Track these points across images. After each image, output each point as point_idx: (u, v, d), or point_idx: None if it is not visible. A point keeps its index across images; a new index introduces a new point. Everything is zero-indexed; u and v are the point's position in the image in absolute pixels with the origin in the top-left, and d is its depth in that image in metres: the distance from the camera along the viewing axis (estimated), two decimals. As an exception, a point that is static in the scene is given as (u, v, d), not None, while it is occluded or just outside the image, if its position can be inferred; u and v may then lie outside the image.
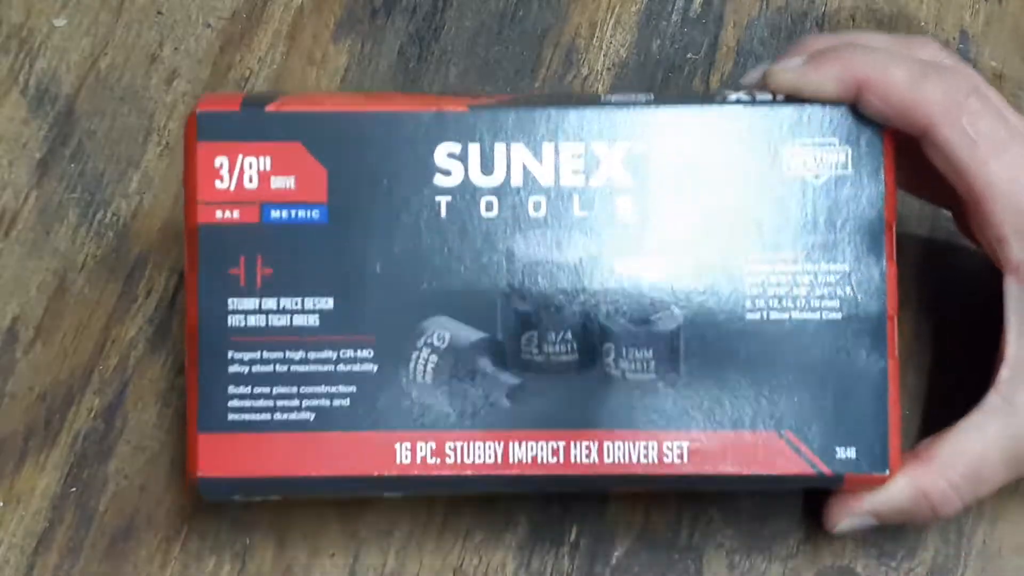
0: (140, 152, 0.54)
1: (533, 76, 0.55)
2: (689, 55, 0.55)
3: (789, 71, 0.45)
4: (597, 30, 0.56)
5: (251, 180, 0.45)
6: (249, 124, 0.45)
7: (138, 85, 0.55)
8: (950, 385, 0.52)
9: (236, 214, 0.45)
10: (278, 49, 0.55)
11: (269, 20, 0.56)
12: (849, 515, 0.47)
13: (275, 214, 0.45)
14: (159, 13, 0.56)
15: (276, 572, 0.50)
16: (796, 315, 0.45)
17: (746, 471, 0.45)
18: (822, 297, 0.45)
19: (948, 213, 0.53)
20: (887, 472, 0.45)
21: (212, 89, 0.55)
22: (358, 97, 0.47)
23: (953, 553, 0.50)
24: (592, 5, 0.56)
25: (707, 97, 0.46)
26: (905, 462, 0.46)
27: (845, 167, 0.45)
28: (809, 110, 0.45)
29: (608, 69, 0.55)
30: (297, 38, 0.56)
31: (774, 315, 0.45)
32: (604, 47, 0.55)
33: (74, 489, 0.51)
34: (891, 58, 0.44)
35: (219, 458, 0.45)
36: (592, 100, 0.46)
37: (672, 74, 0.55)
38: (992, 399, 0.45)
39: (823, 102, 0.45)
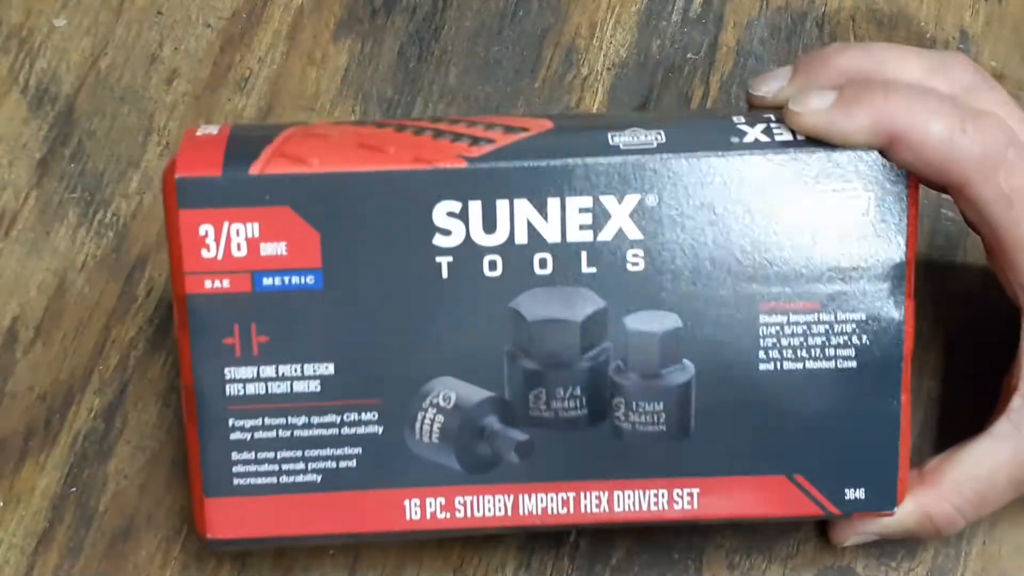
0: (140, 152, 0.54)
1: (533, 76, 0.55)
2: (689, 55, 0.55)
3: (816, 115, 0.43)
4: (597, 30, 0.56)
5: (239, 248, 0.43)
6: (233, 190, 0.42)
7: (138, 85, 0.55)
8: (954, 395, 0.52)
9: (226, 283, 0.43)
10: (278, 49, 0.55)
11: (269, 20, 0.56)
12: (853, 534, 0.47)
13: (267, 281, 0.43)
14: (159, 13, 0.56)
15: (276, 572, 0.50)
16: (810, 364, 0.44)
17: (754, 513, 0.45)
18: (837, 346, 0.44)
19: (950, 213, 0.53)
20: (895, 510, 0.45)
21: (212, 89, 0.55)
22: (349, 144, 0.44)
23: (953, 553, 0.50)
24: (592, 5, 0.56)
25: (721, 133, 0.43)
26: (911, 484, 0.46)
27: (866, 213, 0.43)
28: (832, 156, 0.43)
29: (608, 69, 0.55)
30: (297, 38, 0.55)
31: (788, 365, 0.44)
32: (604, 47, 0.55)
33: (74, 489, 0.51)
34: (928, 108, 0.42)
35: (228, 520, 0.44)
36: (599, 142, 0.43)
37: (672, 74, 0.55)
38: (1003, 426, 0.45)
39: (850, 148, 0.43)
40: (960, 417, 0.50)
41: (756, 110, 0.45)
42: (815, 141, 0.43)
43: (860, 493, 0.44)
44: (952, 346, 0.52)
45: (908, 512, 0.46)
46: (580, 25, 0.56)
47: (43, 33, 0.55)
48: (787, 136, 0.43)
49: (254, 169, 0.43)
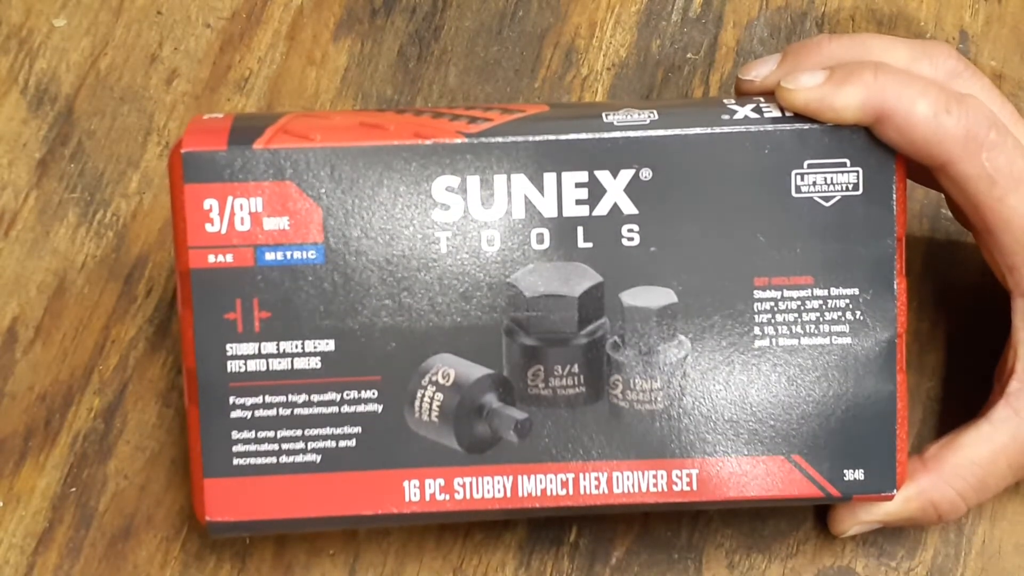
0: (140, 152, 0.54)
1: (533, 76, 0.55)
2: (689, 55, 0.55)
3: (806, 91, 0.43)
4: (597, 30, 0.56)
5: (243, 222, 0.44)
6: (237, 164, 0.43)
7: (138, 85, 0.55)
8: (952, 380, 0.52)
9: (229, 258, 0.44)
10: (278, 49, 0.55)
11: (269, 20, 0.56)
12: (855, 523, 0.47)
13: (270, 256, 0.44)
14: (159, 13, 0.56)
15: (276, 572, 0.50)
16: (805, 341, 0.44)
17: (754, 495, 0.45)
18: (832, 322, 0.44)
19: (950, 213, 0.53)
20: (895, 492, 0.45)
21: (212, 89, 0.55)
22: (350, 123, 0.45)
23: (953, 553, 0.50)
24: (592, 5, 0.56)
25: (712, 111, 0.44)
26: (911, 469, 0.46)
27: (856, 188, 0.44)
28: (821, 132, 0.43)
29: (608, 69, 0.55)
30: (297, 38, 0.55)
31: (783, 341, 0.44)
32: (604, 47, 0.55)
33: (74, 489, 0.51)
34: (915, 88, 0.43)
35: (227, 502, 0.44)
36: (594, 120, 0.44)
37: (672, 74, 0.55)
38: (1002, 411, 0.46)
39: (839, 125, 0.43)
40: (960, 416, 0.50)
41: (745, 95, 0.46)
42: (804, 118, 0.44)
43: (859, 474, 0.45)
44: (952, 346, 0.52)
45: (909, 498, 0.46)
46: (580, 25, 0.56)
47: (43, 33, 0.55)
48: (776, 114, 0.44)
49: (258, 144, 0.44)
